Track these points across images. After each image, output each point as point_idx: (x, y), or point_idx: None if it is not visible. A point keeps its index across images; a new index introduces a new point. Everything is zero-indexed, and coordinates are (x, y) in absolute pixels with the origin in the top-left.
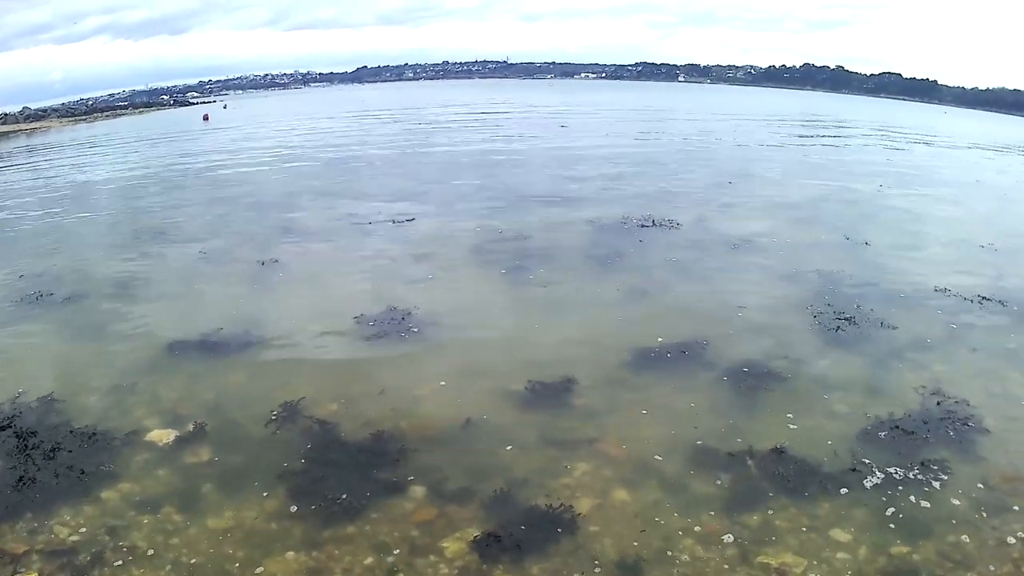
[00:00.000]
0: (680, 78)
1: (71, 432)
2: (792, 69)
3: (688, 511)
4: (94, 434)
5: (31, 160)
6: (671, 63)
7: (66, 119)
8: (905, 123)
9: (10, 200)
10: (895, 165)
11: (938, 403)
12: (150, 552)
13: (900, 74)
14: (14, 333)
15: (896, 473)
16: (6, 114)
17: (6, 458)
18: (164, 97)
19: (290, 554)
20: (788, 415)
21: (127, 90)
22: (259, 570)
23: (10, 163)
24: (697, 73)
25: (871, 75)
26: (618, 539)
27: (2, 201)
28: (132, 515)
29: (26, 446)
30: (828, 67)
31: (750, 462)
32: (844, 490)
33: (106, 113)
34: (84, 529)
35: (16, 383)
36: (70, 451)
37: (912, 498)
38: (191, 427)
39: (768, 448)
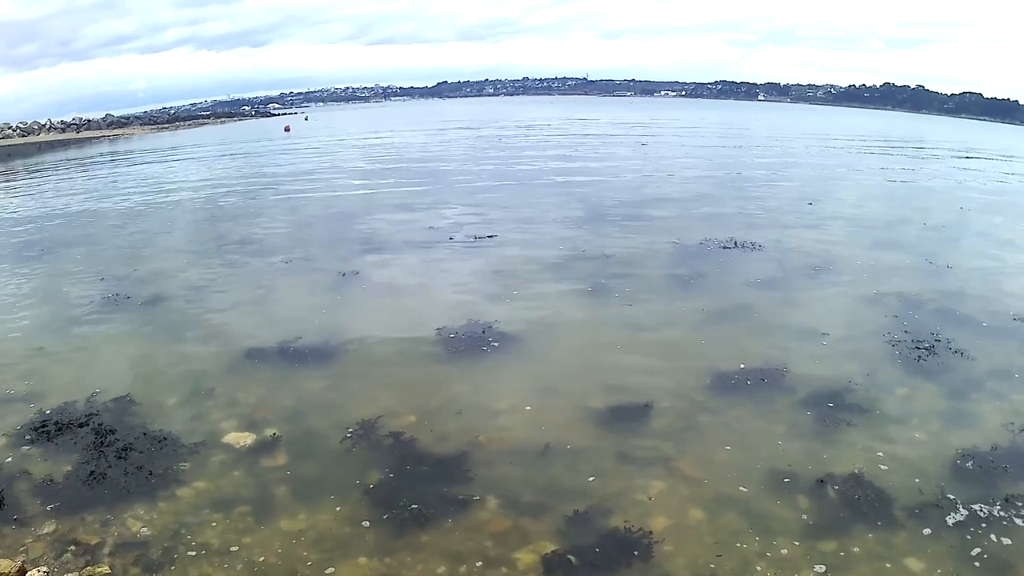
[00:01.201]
0: (760, 97)
1: (147, 431)
2: (872, 89)
3: (764, 535)
4: (171, 433)
5: (115, 167)
6: (750, 81)
7: (148, 127)
8: (987, 144)
9: (93, 205)
10: (977, 188)
11: (1021, 434)
12: (222, 550)
13: (981, 94)
14: (94, 334)
15: (977, 507)
16: (89, 121)
17: (83, 453)
18: (245, 108)
19: (362, 559)
20: (866, 442)
21: (209, 100)
22: (330, 572)
23: (92, 170)
24: (777, 92)
25: (952, 95)
26: (692, 560)
27: (85, 206)
28: (206, 513)
29: (104, 443)
30: (908, 87)
31: (828, 488)
32: (921, 520)
33: (188, 122)
34: (157, 524)
35: (95, 382)
36: (146, 450)
37: (992, 534)
38: (268, 432)
39: (846, 474)
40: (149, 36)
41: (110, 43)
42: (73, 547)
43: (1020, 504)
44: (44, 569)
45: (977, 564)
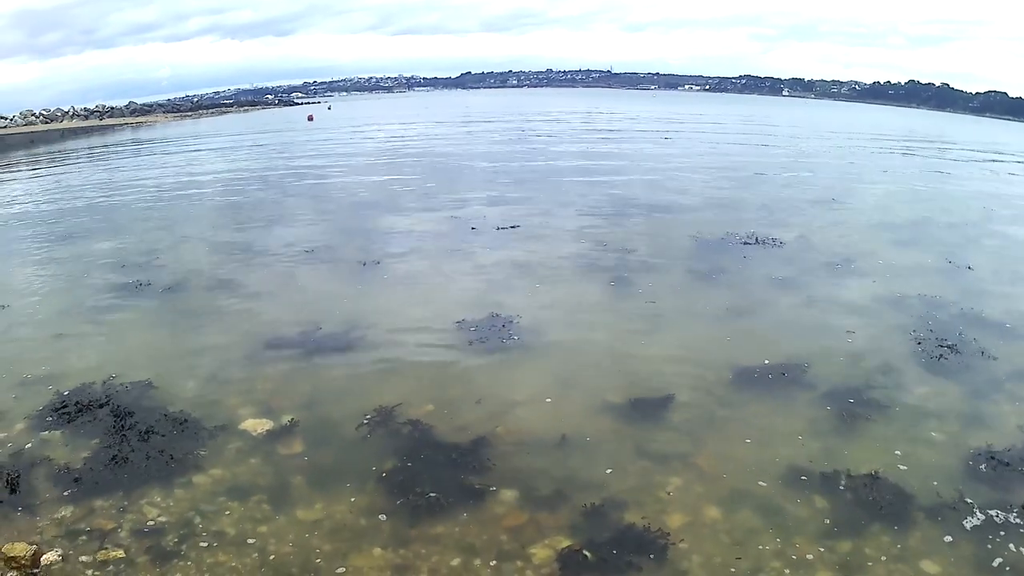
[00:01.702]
0: (784, 92)
1: (165, 416)
2: (896, 86)
3: (780, 533)
4: (188, 419)
5: (137, 154)
6: (775, 76)
7: (171, 115)
8: (1011, 143)
9: (114, 192)
10: (1000, 188)
11: None
12: (238, 538)
13: (1006, 93)
14: (115, 319)
15: (994, 511)
16: (112, 108)
17: (102, 436)
18: (269, 96)
19: (377, 550)
20: (886, 442)
21: (232, 88)
22: (345, 564)
23: (113, 157)
24: (801, 88)
25: (976, 93)
26: (707, 557)
27: (106, 192)
28: (222, 500)
29: (122, 426)
30: (933, 84)
31: (845, 487)
32: (938, 522)
33: (211, 110)
34: (174, 511)
35: (114, 367)
36: (163, 435)
37: (1010, 541)
38: (285, 420)
39: (864, 474)
40: (173, 25)
41: (134, 31)
42: (89, 531)
43: None
44: (59, 552)
45: (994, 569)
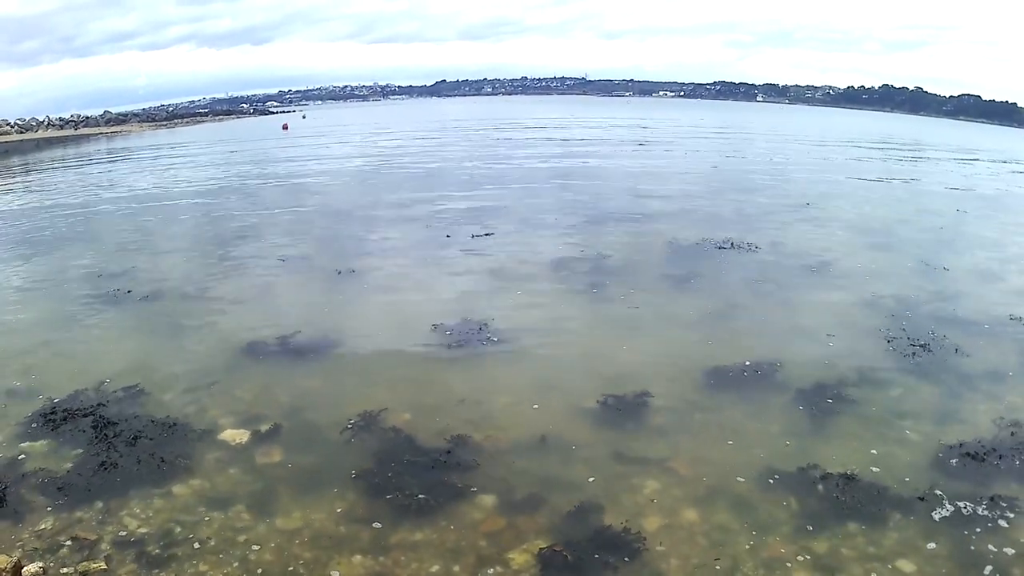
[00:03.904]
0: (758, 98)
1: (146, 426)
2: (871, 90)
3: (757, 534)
4: (168, 429)
5: (112, 164)
6: (749, 82)
7: (147, 124)
8: (985, 147)
9: (90, 201)
10: (974, 189)
11: (1012, 434)
12: (218, 548)
13: (979, 96)
14: (92, 329)
15: (965, 506)
16: (87, 117)
17: (84, 446)
18: (244, 105)
19: (357, 557)
20: (860, 441)
21: (208, 97)
22: (326, 572)
23: (89, 167)
24: (775, 93)
25: (950, 97)
26: (684, 560)
27: (82, 202)
28: (202, 511)
29: (104, 436)
30: (907, 88)
31: (820, 486)
32: (912, 520)
33: (186, 120)
34: (154, 521)
35: (94, 377)
36: (144, 445)
37: (983, 535)
38: (265, 428)
39: (839, 473)
40: (152, 33)
41: (113, 40)
42: (70, 543)
43: (1010, 504)
44: (40, 565)
45: (968, 564)
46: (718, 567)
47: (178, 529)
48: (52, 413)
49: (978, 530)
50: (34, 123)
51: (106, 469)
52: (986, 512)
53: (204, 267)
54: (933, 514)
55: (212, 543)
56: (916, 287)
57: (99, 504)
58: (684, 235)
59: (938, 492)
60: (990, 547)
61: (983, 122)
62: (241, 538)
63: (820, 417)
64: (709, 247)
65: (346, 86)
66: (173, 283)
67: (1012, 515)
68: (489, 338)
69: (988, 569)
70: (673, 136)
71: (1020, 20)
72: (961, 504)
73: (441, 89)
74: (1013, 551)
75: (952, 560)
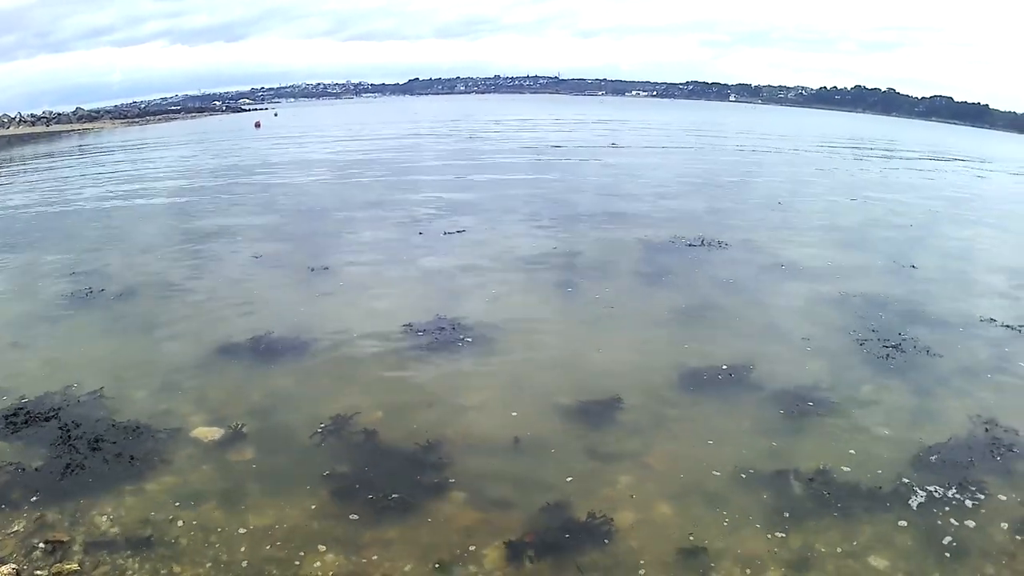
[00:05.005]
0: (731, 98)
1: (116, 425)
2: (843, 91)
3: (729, 530)
4: (139, 428)
5: (83, 161)
6: (723, 82)
7: (119, 121)
8: (956, 148)
9: (61, 199)
10: (944, 190)
11: (985, 430)
12: (190, 547)
13: (951, 98)
14: (65, 328)
15: (938, 501)
16: (59, 114)
17: (54, 446)
18: (216, 103)
19: (329, 556)
20: (834, 439)
21: (180, 94)
22: (299, 570)
23: (60, 165)
24: (748, 93)
25: (922, 98)
26: (657, 555)
27: (53, 200)
28: (174, 509)
29: (70, 436)
30: (879, 89)
31: (793, 484)
32: (885, 515)
33: (158, 117)
34: (126, 520)
35: (67, 376)
36: (115, 443)
37: (956, 530)
38: (236, 426)
39: (812, 470)
40: (129, 28)
41: (89, 35)
42: (43, 545)
43: (983, 499)
44: (13, 567)
45: (940, 558)
46: (692, 563)
47: (149, 528)
48: (21, 413)
49: (952, 524)
50: (5, 120)
51: (76, 469)
52: (964, 507)
53: (177, 265)
54: (905, 509)
55: (184, 542)
56: (887, 286)
57: (70, 504)
58: (656, 234)
59: (910, 487)
60: (963, 542)
61: (954, 123)
62: (213, 537)
63: (792, 415)
64: (680, 245)
65: (319, 84)
66: (146, 282)
67: (987, 506)
68: (462, 337)
69: (958, 563)
70: (646, 136)
71: (997, 23)
72: (936, 499)
73: (414, 87)
74: (985, 546)
75: (923, 553)
